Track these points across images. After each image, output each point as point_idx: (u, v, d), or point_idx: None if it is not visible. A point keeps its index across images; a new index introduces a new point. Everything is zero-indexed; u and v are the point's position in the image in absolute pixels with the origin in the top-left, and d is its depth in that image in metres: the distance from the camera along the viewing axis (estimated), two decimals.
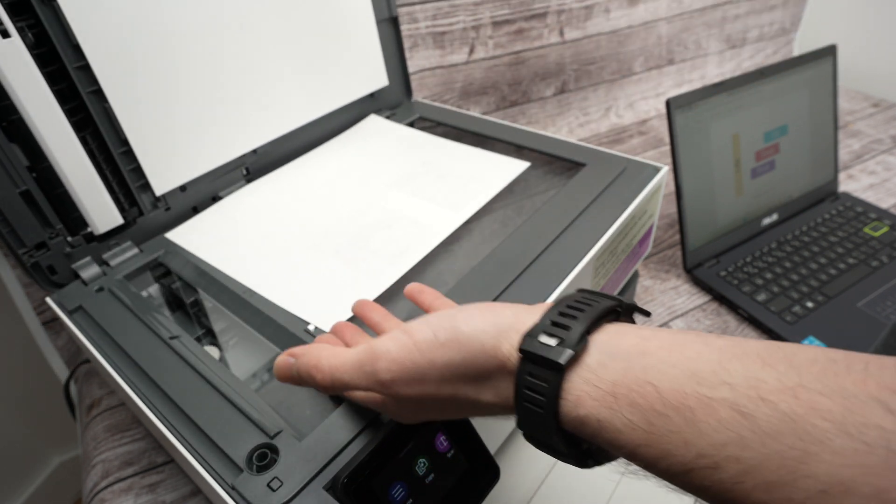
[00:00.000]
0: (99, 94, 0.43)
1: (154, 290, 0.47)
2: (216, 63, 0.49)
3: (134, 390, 0.35)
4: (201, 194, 0.51)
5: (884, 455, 0.14)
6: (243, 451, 0.30)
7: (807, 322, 0.57)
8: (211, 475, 0.29)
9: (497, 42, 0.85)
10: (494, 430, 0.40)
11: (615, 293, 0.42)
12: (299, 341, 0.36)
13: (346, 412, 0.31)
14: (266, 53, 0.52)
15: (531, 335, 0.22)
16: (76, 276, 0.44)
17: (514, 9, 0.84)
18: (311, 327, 0.37)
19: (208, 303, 0.45)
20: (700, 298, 0.63)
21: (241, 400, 0.32)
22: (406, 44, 0.74)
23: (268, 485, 0.28)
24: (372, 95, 0.63)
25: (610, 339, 0.21)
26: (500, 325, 0.23)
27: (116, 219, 0.46)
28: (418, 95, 0.82)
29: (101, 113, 0.44)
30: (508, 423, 0.42)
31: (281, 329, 0.38)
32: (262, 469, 0.29)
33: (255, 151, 0.54)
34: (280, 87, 0.54)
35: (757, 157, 0.66)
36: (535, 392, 0.21)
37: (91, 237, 0.45)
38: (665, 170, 0.48)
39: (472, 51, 0.83)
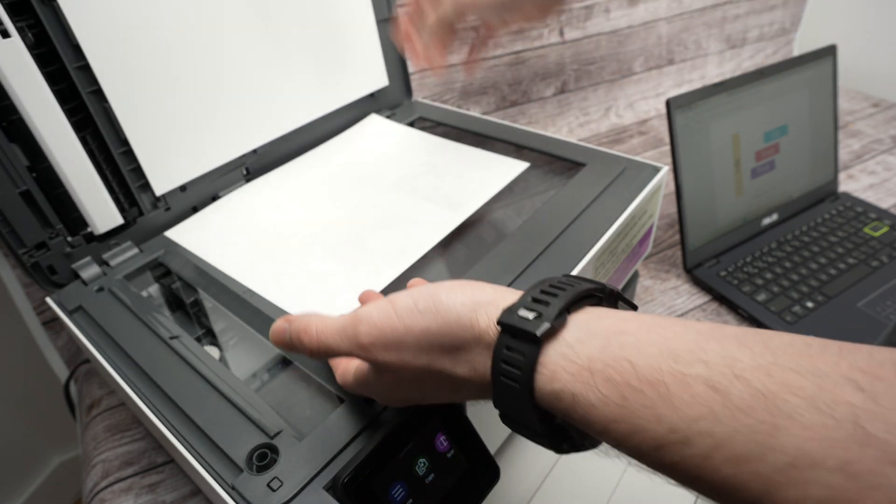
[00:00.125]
0: (99, 94, 0.43)
1: (154, 290, 0.47)
2: (216, 63, 0.49)
3: (134, 390, 0.35)
4: (201, 194, 0.51)
5: (850, 429, 0.14)
6: (243, 451, 0.30)
7: (807, 322, 0.57)
8: (211, 475, 0.29)
9: (497, 42, 0.85)
10: (494, 430, 0.40)
11: None
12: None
13: (346, 412, 0.31)
14: (266, 53, 0.52)
15: (511, 310, 0.22)
16: (76, 276, 0.44)
17: None
18: None
19: (208, 303, 0.45)
20: (700, 298, 0.64)
21: (241, 400, 0.32)
22: None
23: (268, 485, 0.28)
24: (372, 95, 0.63)
25: (589, 319, 0.21)
26: (478, 300, 0.23)
27: (116, 219, 0.46)
28: (418, 95, 0.82)
29: (101, 113, 0.44)
30: None
31: None
32: (262, 469, 0.29)
33: (255, 151, 0.54)
34: (280, 88, 0.54)
35: (757, 157, 0.66)
36: (511, 365, 0.21)
37: (91, 237, 0.45)
38: (665, 170, 0.48)
39: (472, 51, 0.83)
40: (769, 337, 0.18)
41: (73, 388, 0.61)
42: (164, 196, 0.49)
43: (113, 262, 0.45)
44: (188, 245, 0.47)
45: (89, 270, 0.44)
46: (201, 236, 0.48)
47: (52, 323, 0.63)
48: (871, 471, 0.14)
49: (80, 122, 0.43)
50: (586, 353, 0.20)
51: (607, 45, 0.96)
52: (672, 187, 0.61)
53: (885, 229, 0.68)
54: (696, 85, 1.03)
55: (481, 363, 0.23)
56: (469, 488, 0.31)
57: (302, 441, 0.30)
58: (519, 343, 0.21)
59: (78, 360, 0.63)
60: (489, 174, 0.51)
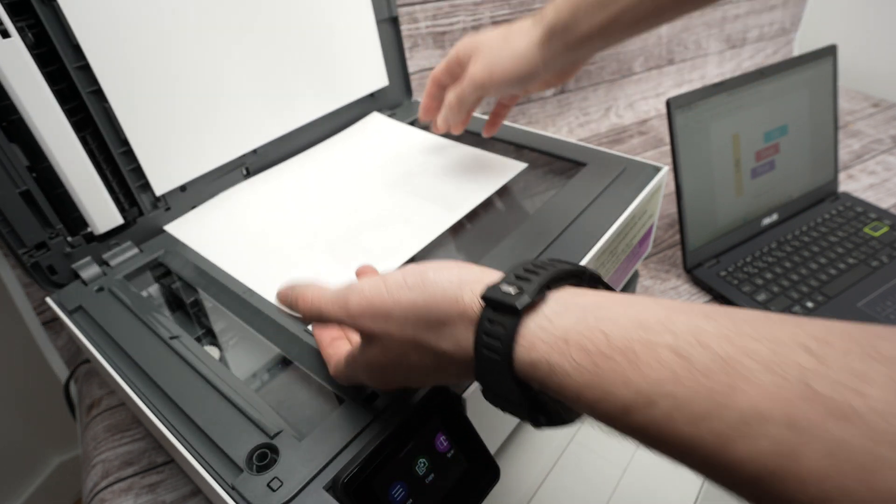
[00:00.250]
0: (99, 94, 0.43)
1: (154, 290, 0.47)
2: (216, 63, 0.49)
3: (134, 390, 0.35)
4: (201, 194, 0.51)
5: (800, 388, 0.15)
6: (243, 451, 0.30)
7: None
8: (211, 475, 0.29)
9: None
10: (494, 430, 0.40)
11: None
12: (299, 341, 0.36)
13: (346, 412, 0.31)
14: (266, 54, 0.52)
15: (494, 286, 0.23)
16: (76, 276, 0.44)
17: (514, 9, 0.84)
18: (310, 327, 0.37)
19: (208, 303, 0.45)
20: (700, 298, 0.63)
21: (241, 400, 0.32)
22: (406, 44, 0.74)
23: (268, 485, 0.28)
24: (372, 95, 0.63)
25: (568, 296, 0.22)
26: (464, 278, 0.25)
27: (116, 219, 0.46)
28: (418, 95, 0.82)
29: (101, 113, 0.44)
30: (508, 423, 0.42)
31: (281, 329, 0.38)
32: (262, 469, 0.29)
33: (255, 151, 0.54)
34: (280, 88, 0.54)
35: (757, 157, 0.66)
36: (492, 337, 0.22)
37: (91, 237, 0.45)
38: (665, 170, 0.48)
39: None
40: (734, 311, 0.19)
41: (73, 388, 0.61)
42: (164, 196, 0.49)
43: (113, 262, 0.45)
44: (187, 241, 0.47)
45: (89, 270, 0.44)
46: (201, 232, 0.48)
47: (52, 323, 0.63)
48: (814, 424, 0.15)
49: (80, 122, 0.43)
50: (563, 324, 0.21)
51: None
52: (672, 187, 0.61)
53: (885, 229, 0.68)
54: (696, 85, 1.03)
55: (465, 338, 0.23)
56: (469, 488, 0.31)
57: (302, 441, 0.30)
58: (500, 316, 0.22)
59: (78, 360, 0.63)
60: (487, 174, 0.51)
